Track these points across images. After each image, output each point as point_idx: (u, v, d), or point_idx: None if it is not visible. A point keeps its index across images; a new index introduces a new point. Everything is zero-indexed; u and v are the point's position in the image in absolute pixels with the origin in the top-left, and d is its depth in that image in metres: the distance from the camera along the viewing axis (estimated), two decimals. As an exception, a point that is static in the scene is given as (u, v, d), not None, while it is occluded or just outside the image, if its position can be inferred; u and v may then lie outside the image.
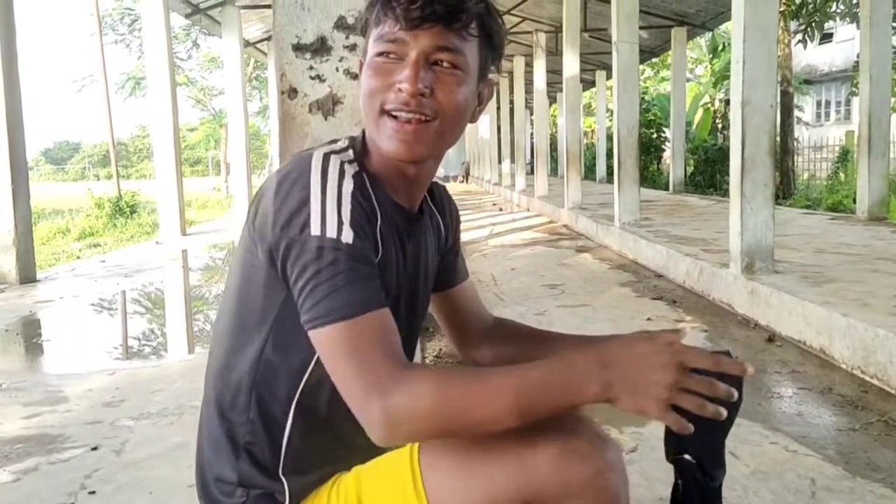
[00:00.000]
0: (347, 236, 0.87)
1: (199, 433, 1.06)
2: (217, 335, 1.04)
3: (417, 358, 1.23)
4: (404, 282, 1.02)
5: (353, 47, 1.66)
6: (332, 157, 0.93)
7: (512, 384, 0.83)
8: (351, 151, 0.98)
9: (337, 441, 1.02)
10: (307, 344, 0.91)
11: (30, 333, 4.36)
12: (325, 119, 1.69)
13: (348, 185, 0.91)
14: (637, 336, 0.91)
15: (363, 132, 1.03)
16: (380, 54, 0.94)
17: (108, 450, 2.34)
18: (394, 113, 0.93)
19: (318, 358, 0.92)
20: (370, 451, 0.96)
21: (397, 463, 0.94)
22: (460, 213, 1.28)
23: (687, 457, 0.91)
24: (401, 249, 1.01)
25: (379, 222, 0.95)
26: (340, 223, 0.88)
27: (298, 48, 1.65)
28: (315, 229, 0.87)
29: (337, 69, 1.67)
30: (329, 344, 0.86)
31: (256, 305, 0.96)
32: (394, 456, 0.96)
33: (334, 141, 1.03)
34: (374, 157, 1.00)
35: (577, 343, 1.14)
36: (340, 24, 1.65)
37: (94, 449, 2.34)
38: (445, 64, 0.94)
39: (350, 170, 0.93)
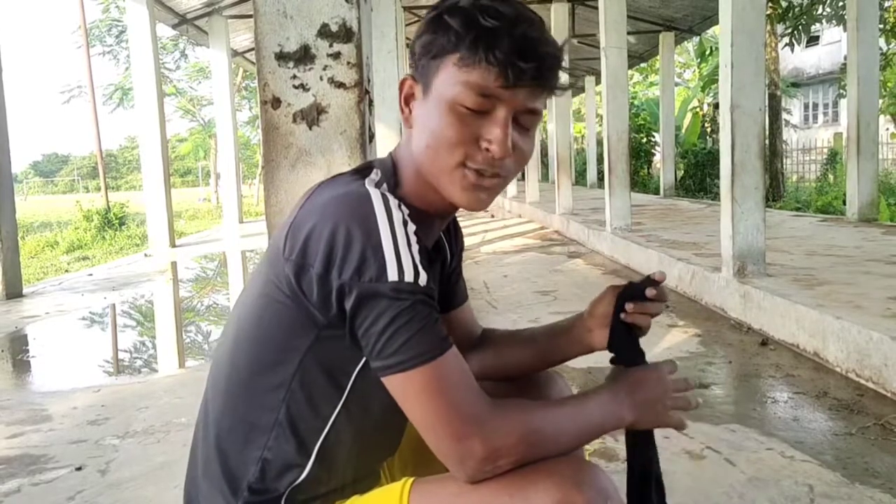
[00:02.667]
0: (423, 279, 0.85)
1: (193, 465, 1.01)
2: (226, 372, 0.98)
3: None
4: None
5: (336, 55, 1.62)
6: (390, 196, 0.89)
7: (577, 418, 0.93)
8: (386, 185, 0.94)
9: (347, 484, 1.00)
10: (334, 390, 0.92)
11: (15, 350, 4.30)
12: (310, 129, 1.65)
13: (411, 226, 0.87)
14: (642, 371, 1.04)
15: (391, 158, 0.99)
16: (465, 105, 0.88)
17: (93, 469, 2.29)
18: (477, 170, 0.91)
19: (344, 403, 0.93)
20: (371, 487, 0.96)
21: (388, 499, 0.91)
22: None
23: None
24: None
25: None
26: (416, 266, 0.85)
27: (281, 57, 1.62)
28: (392, 275, 0.83)
29: (321, 78, 1.64)
30: (418, 386, 0.84)
31: (279, 347, 0.91)
32: (384, 492, 0.93)
33: (367, 169, 0.98)
34: (410, 189, 0.97)
35: (550, 334, 1.21)
36: (324, 32, 1.62)
37: (79, 469, 2.29)
38: (525, 125, 0.92)
39: (402, 213, 0.88)
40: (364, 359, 0.90)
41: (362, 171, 0.97)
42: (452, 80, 0.88)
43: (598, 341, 1.14)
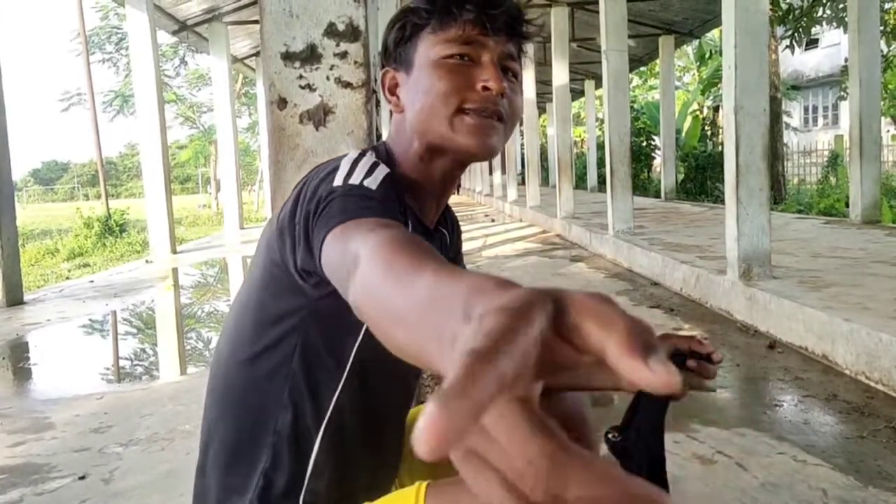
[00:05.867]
0: (372, 183, 0.82)
1: (203, 459, 0.99)
2: (226, 359, 0.98)
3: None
4: None
5: (343, 55, 1.60)
6: (366, 153, 0.91)
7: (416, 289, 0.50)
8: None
9: (356, 491, 0.98)
10: (337, 363, 0.90)
11: (16, 357, 4.26)
12: (317, 129, 1.63)
13: (382, 170, 0.86)
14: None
15: (384, 144, 1.01)
16: (450, 56, 0.92)
17: (96, 478, 2.26)
18: (476, 110, 0.92)
19: (347, 377, 0.91)
20: (383, 490, 0.93)
21: (402, 501, 0.89)
22: None
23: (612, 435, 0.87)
24: None
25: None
26: (367, 176, 0.83)
27: (287, 57, 1.59)
28: (338, 181, 0.82)
29: (328, 78, 1.62)
30: (329, 248, 0.72)
31: (277, 325, 0.92)
32: (398, 496, 0.91)
33: (361, 153, 0.99)
34: (406, 169, 0.97)
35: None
36: (330, 31, 1.60)
37: (82, 478, 2.26)
38: (510, 73, 0.95)
39: (384, 167, 0.88)
40: (361, 336, 0.90)
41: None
42: (432, 43, 0.93)
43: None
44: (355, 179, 0.82)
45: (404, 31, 0.96)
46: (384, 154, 0.98)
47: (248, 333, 0.95)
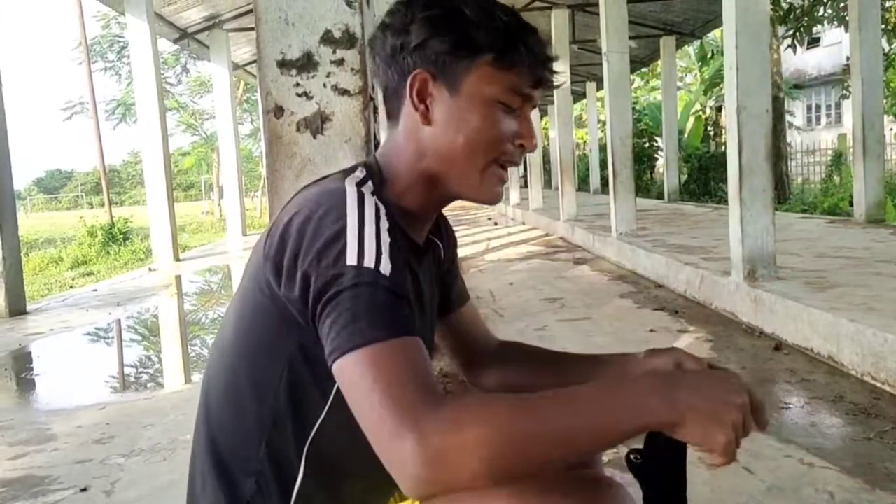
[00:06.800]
0: (386, 267, 0.79)
1: (192, 483, 0.97)
2: (214, 382, 0.95)
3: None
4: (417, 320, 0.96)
5: (340, 62, 1.59)
6: (366, 192, 0.86)
7: (578, 407, 0.71)
8: (370, 183, 0.92)
9: (347, 498, 0.96)
10: (322, 392, 0.87)
11: (19, 368, 4.26)
12: (314, 137, 1.62)
13: (385, 222, 0.84)
14: (703, 367, 0.89)
15: (375, 159, 0.98)
16: (502, 103, 0.91)
17: (98, 490, 2.25)
18: (506, 165, 0.95)
19: (329, 407, 0.87)
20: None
21: None
22: (455, 229, 1.22)
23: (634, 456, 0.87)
24: (413, 288, 0.94)
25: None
26: (379, 253, 0.80)
27: (283, 64, 1.58)
28: (351, 259, 0.78)
29: (324, 85, 1.60)
30: (354, 372, 0.73)
31: (264, 353, 0.88)
32: None
33: (351, 169, 0.96)
34: (398, 188, 0.95)
35: (594, 363, 1.07)
36: (327, 39, 1.59)
37: (83, 490, 2.25)
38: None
39: (383, 215, 0.85)
40: None
41: (347, 171, 0.95)
42: (489, 79, 0.90)
43: None
44: (368, 259, 0.79)
45: (459, 45, 0.90)
46: (375, 170, 0.95)
47: (232, 363, 0.92)
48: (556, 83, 0.96)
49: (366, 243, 0.80)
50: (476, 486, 0.68)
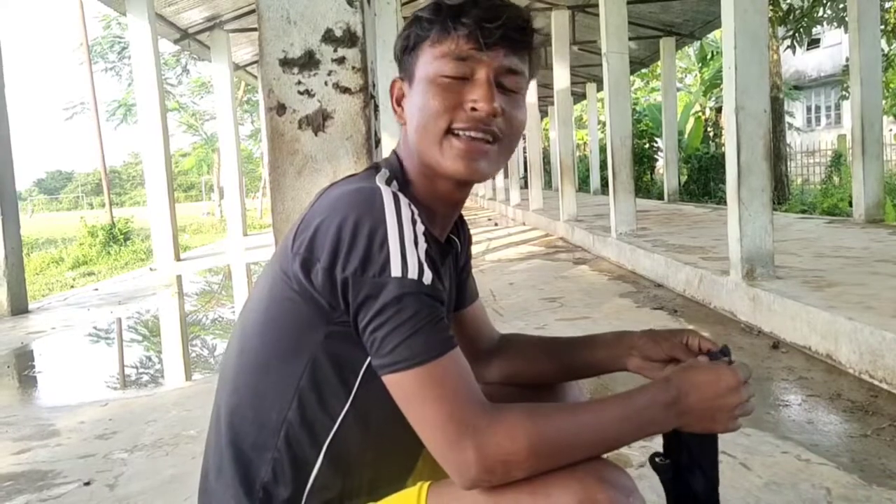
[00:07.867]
0: (427, 277, 0.84)
1: (205, 472, 0.99)
2: (234, 373, 0.96)
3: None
4: None
5: (341, 60, 1.61)
6: (400, 195, 0.89)
7: (600, 419, 0.85)
8: (395, 182, 0.96)
9: (364, 490, 0.98)
10: (343, 388, 0.90)
11: (21, 365, 4.29)
12: (316, 135, 1.64)
13: (420, 226, 0.87)
14: (697, 365, 0.95)
15: (397, 157, 1.01)
16: (447, 76, 0.92)
17: (102, 484, 2.26)
18: (463, 132, 0.92)
19: (352, 402, 0.91)
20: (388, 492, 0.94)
21: (404, 501, 0.90)
22: None
23: (660, 459, 0.97)
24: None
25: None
26: (421, 264, 0.84)
27: (285, 63, 1.61)
28: (396, 271, 0.82)
29: (326, 83, 1.63)
30: (413, 388, 0.82)
31: (289, 344, 0.91)
32: (400, 497, 0.92)
33: (375, 168, 1.00)
34: (417, 185, 0.98)
35: (588, 345, 1.15)
36: (328, 37, 1.61)
37: (87, 484, 2.27)
38: (509, 87, 0.94)
39: (418, 219, 0.88)
40: (368, 361, 0.89)
41: (372, 171, 0.99)
42: (429, 58, 0.93)
43: (632, 364, 1.13)
44: (413, 271, 0.83)
45: (408, 41, 0.95)
46: (398, 168, 0.99)
47: (255, 353, 0.94)
48: (508, 38, 0.92)
49: (408, 253, 0.83)
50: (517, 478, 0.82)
